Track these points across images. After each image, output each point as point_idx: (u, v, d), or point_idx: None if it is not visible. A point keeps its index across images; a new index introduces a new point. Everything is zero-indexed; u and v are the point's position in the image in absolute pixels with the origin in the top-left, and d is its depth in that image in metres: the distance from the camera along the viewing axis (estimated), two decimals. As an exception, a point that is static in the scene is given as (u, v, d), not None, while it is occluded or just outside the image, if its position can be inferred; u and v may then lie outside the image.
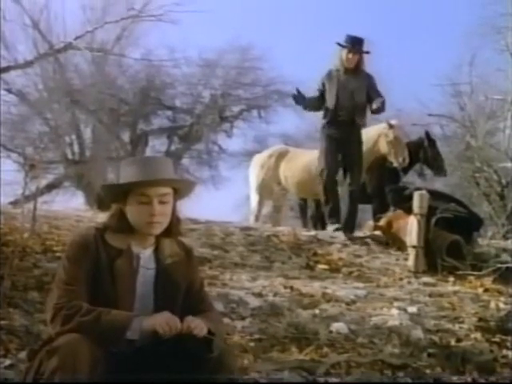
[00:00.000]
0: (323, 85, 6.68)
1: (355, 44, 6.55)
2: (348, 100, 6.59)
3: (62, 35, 14.48)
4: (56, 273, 2.29)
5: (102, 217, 6.27)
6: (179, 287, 2.33)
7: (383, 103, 6.53)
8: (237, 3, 19.52)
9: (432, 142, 7.94)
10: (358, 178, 6.81)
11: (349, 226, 6.64)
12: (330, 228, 6.61)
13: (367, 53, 6.65)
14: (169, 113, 16.80)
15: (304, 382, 3.19)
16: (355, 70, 6.59)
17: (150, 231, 2.29)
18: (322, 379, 3.21)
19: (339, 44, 6.59)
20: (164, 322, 2.12)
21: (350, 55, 6.53)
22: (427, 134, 8.02)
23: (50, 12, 14.34)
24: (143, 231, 2.29)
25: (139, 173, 2.26)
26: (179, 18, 14.36)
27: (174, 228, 2.34)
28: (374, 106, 6.51)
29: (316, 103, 6.77)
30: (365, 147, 7.46)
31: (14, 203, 8.43)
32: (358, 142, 6.79)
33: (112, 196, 2.32)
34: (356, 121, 6.68)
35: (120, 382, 2.13)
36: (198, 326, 2.15)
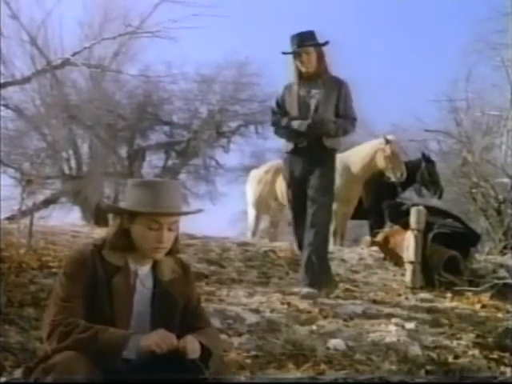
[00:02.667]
0: (281, 102, 5.05)
1: (303, 40, 4.83)
2: (312, 117, 4.87)
3: (59, 51, 14.54)
4: (52, 289, 2.29)
5: (98, 232, 6.28)
6: (177, 304, 2.32)
7: (344, 128, 4.94)
8: (233, 19, 19.61)
9: (430, 163, 7.98)
10: (326, 220, 4.92)
11: (316, 280, 4.77)
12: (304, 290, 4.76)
13: (323, 45, 4.89)
14: (166, 128, 16.83)
15: (302, 382, 3.17)
16: (318, 75, 4.88)
17: (155, 256, 2.30)
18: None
19: (284, 52, 4.92)
20: (160, 340, 2.11)
21: (304, 57, 4.83)
22: (424, 156, 8.06)
23: (48, 28, 14.43)
24: (147, 255, 2.30)
25: (154, 201, 2.24)
26: (176, 34, 14.43)
27: (173, 247, 2.35)
28: (332, 132, 4.87)
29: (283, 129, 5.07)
30: (362, 163, 7.48)
31: (11, 218, 8.41)
32: (329, 171, 4.95)
33: (117, 214, 2.32)
34: (324, 144, 4.88)
35: (120, 382, 2.12)
36: (192, 348, 2.14)
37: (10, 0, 13.34)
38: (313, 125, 4.83)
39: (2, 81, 13.81)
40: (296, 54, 4.84)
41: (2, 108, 14.26)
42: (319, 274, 4.78)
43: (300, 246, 5.02)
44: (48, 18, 14.14)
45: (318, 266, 4.77)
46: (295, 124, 4.90)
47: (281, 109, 5.03)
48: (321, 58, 4.90)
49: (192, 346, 2.15)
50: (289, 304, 4.48)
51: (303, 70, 4.88)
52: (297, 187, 4.98)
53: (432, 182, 7.90)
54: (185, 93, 16.39)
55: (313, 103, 4.89)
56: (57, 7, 14.09)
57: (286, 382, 3.23)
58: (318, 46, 4.88)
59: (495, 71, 14.02)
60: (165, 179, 2.62)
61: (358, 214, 7.87)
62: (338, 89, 4.92)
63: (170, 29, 14.33)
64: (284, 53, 4.90)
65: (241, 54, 17.04)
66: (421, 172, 7.85)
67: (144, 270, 2.32)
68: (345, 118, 4.93)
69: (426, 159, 8.01)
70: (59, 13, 15.20)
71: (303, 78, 4.91)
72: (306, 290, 4.69)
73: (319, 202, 4.81)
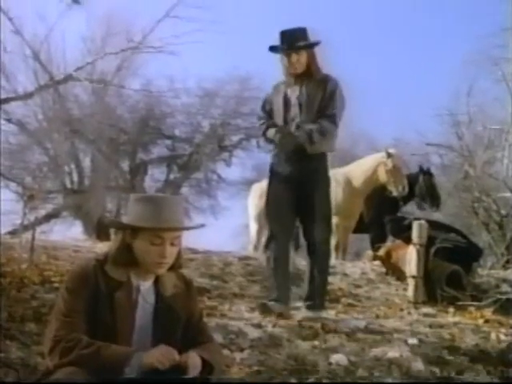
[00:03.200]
0: (268, 104, 4.72)
1: (294, 40, 4.43)
2: (306, 120, 4.49)
3: (62, 66, 14.61)
4: (54, 304, 2.28)
5: (100, 247, 6.28)
6: (179, 320, 2.32)
7: (320, 130, 4.45)
8: (235, 34, 19.74)
9: (428, 176, 7.98)
10: (325, 233, 4.59)
11: (316, 302, 4.57)
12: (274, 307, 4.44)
13: (315, 45, 4.52)
14: (168, 142, 16.87)
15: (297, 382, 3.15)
16: (307, 75, 4.50)
17: (157, 271, 2.30)
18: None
19: (271, 49, 4.51)
20: (161, 356, 2.10)
21: (293, 58, 4.44)
22: (422, 169, 8.07)
23: (51, 43, 14.48)
24: (150, 270, 2.29)
25: (156, 216, 2.24)
26: (178, 49, 14.52)
27: (176, 262, 2.35)
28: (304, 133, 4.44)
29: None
30: (363, 177, 7.50)
31: (12, 233, 8.41)
32: (323, 178, 4.58)
33: (120, 230, 2.32)
34: (308, 151, 4.49)
35: (120, 382, 2.11)
36: (194, 364, 2.14)
37: (13, 15, 13.42)
38: (283, 137, 4.49)
39: (5, 96, 13.85)
40: (285, 54, 4.45)
41: (5, 122, 14.32)
42: (323, 295, 4.64)
43: (276, 263, 4.57)
44: (51, 33, 14.22)
45: (322, 286, 4.60)
46: (270, 133, 4.59)
47: (267, 112, 4.71)
48: (312, 59, 4.51)
49: (193, 361, 2.15)
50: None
51: (291, 71, 4.50)
52: (283, 198, 4.54)
53: (430, 195, 7.90)
54: (187, 107, 16.44)
55: (298, 104, 4.52)
56: (59, 22, 14.11)
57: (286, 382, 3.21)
58: (310, 47, 4.50)
59: (496, 85, 14.06)
60: (167, 194, 2.62)
61: (359, 228, 7.87)
62: (323, 85, 4.49)
63: (173, 44, 14.40)
64: (271, 49, 4.49)
65: (243, 68, 17.13)
66: (419, 185, 7.86)
67: (146, 284, 2.32)
68: (323, 117, 4.48)
69: (424, 172, 8.02)
70: (62, 28, 15.31)
71: (291, 77, 4.53)
72: (310, 313, 4.50)
73: (317, 216, 4.48)
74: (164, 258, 2.26)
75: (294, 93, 4.53)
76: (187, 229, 2.37)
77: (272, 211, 4.63)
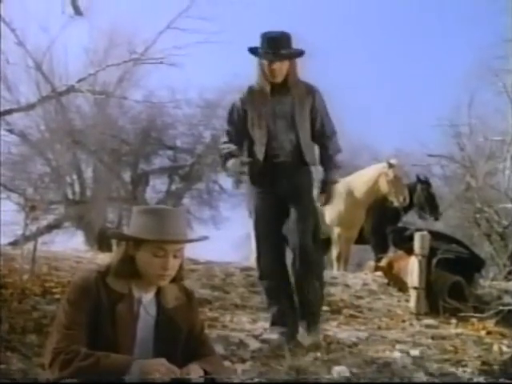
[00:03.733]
0: (235, 114, 4.26)
1: (277, 46, 4.02)
2: (285, 131, 4.14)
3: (64, 77, 14.64)
4: (55, 315, 2.28)
5: (101, 257, 6.27)
6: (180, 332, 2.32)
7: (335, 148, 4.27)
8: (236, 45, 19.79)
9: (425, 185, 7.98)
10: (314, 246, 4.18)
11: (310, 324, 4.20)
12: (271, 335, 4.14)
13: (299, 55, 4.15)
14: (170, 152, 16.88)
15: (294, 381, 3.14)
16: (287, 85, 4.12)
17: (159, 283, 2.29)
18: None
19: (251, 51, 4.11)
20: (161, 366, 2.09)
21: (274, 65, 4.04)
22: (419, 178, 8.08)
23: (53, 54, 14.53)
24: (152, 282, 2.29)
25: (160, 228, 2.24)
26: (180, 60, 14.53)
27: (178, 274, 2.34)
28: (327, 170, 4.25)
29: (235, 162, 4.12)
30: (365, 187, 7.50)
31: (14, 244, 8.41)
32: (309, 191, 4.24)
33: (123, 241, 2.32)
34: (305, 160, 4.18)
35: (120, 382, 2.10)
36: (195, 377, 2.13)
37: (15, 27, 13.48)
38: (291, 141, 4.12)
39: (8, 107, 13.90)
40: (267, 60, 4.05)
41: (7, 133, 14.34)
42: (317, 313, 4.25)
43: (262, 277, 4.30)
44: (53, 44, 14.27)
45: (315, 303, 4.20)
46: (234, 166, 4.09)
47: (235, 123, 4.24)
48: (293, 68, 4.12)
49: (195, 373, 2.14)
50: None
51: (270, 79, 4.09)
52: (272, 215, 4.18)
53: (429, 204, 7.90)
54: (188, 117, 16.47)
55: (285, 116, 4.13)
56: (62, 34, 14.16)
57: (285, 381, 3.19)
58: (296, 57, 4.13)
59: (497, 97, 14.12)
60: (170, 207, 2.61)
61: (361, 239, 7.87)
62: (310, 97, 4.16)
63: (174, 55, 14.45)
64: (251, 51, 4.09)
65: (243, 77, 17.16)
66: (417, 195, 7.86)
67: (148, 296, 2.32)
68: (326, 138, 4.23)
69: (421, 181, 8.03)
70: (64, 39, 15.34)
71: (267, 85, 4.12)
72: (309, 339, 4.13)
73: (304, 230, 4.08)
74: (166, 270, 2.26)
75: (279, 104, 4.13)
76: (191, 241, 2.37)
77: (260, 236, 4.22)
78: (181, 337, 2.31)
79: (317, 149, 4.31)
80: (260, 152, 4.14)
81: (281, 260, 4.23)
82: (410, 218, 8.67)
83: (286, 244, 4.20)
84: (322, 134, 4.23)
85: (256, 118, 4.16)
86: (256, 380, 2.86)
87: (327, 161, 4.26)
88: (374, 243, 7.86)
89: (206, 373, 2.19)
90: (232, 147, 4.17)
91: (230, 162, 4.13)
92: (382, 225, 7.48)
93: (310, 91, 4.18)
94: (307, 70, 4.41)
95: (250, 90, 4.21)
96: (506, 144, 12.74)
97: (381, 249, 7.36)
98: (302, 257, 4.08)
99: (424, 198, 7.85)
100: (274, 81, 4.10)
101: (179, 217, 2.33)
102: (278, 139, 4.14)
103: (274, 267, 4.20)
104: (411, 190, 7.83)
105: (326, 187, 4.29)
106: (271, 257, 4.20)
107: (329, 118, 4.26)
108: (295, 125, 4.13)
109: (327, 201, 4.35)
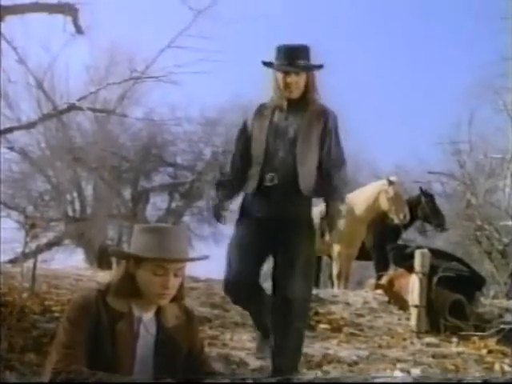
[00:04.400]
0: (242, 136, 3.86)
1: (294, 57, 3.64)
2: (285, 151, 3.65)
3: (65, 95, 14.70)
4: (55, 334, 2.27)
5: (101, 275, 6.25)
6: (180, 351, 2.31)
7: (341, 179, 3.76)
8: (237, 63, 19.90)
9: (429, 197, 7.99)
10: (307, 291, 3.63)
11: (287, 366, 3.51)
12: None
13: (318, 68, 3.72)
14: (170, 169, 16.89)
15: (296, 382, 3.10)
16: (301, 103, 3.69)
17: (159, 302, 2.29)
18: None
19: (265, 63, 3.73)
20: None
21: (291, 78, 3.62)
22: (422, 191, 8.09)
23: (54, 72, 14.61)
24: (152, 300, 2.29)
25: (161, 247, 2.24)
26: (181, 78, 14.60)
27: (178, 293, 2.34)
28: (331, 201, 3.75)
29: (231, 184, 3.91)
30: (365, 204, 7.50)
31: (13, 261, 8.40)
32: (306, 224, 3.68)
33: (123, 259, 2.32)
34: (300, 187, 3.63)
35: (120, 382, 2.09)
36: None
37: (17, 45, 13.56)
38: (289, 164, 3.63)
39: (8, 125, 13.94)
40: (282, 72, 3.65)
41: (7, 151, 14.37)
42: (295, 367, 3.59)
43: (237, 301, 3.86)
44: (54, 62, 14.35)
45: (295, 356, 3.61)
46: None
47: (240, 149, 3.87)
48: (311, 83, 3.70)
49: None
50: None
51: (286, 94, 3.66)
52: (257, 238, 3.71)
53: (434, 216, 7.90)
54: (189, 135, 16.50)
55: (289, 136, 3.67)
56: (63, 52, 14.26)
57: (286, 381, 3.16)
58: (314, 69, 3.72)
59: (497, 115, 14.16)
60: (171, 225, 2.61)
61: (361, 255, 7.85)
62: (322, 119, 3.69)
63: (175, 73, 14.51)
64: (265, 64, 3.72)
65: (245, 96, 17.22)
66: (422, 207, 7.86)
67: (148, 315, 2.31)
68: (334, 167, 3.74)
69: (425, 194, 8.03)
70: (65, 57, 15.44)
71: (284, 101, 3.70)
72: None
73: (297, 271, 3.55)
74: (167, 289, 2.25)
75: (286, 121, 3.70)
76: (191, 260, 2.37)
77: (235, 256, 3.81)
78: (180, 356, 2.31)
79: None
80: (255, 175, 3.71)
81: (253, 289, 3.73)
82: (410, 235, 8.66)
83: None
84: (328, 162, 3.72)
85: (258, 133, 3.75)
86: (250, 380, 2.82)
87: (331, 192, 3.75)
88: (376, 261, 7.85)
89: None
90: (224, 178, 3.98)
91: (213, 203, 4.04)
92: (382, 242, 7.48)
93: (323, 114, 3.71)
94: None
95: (259, 108, 3.82)
96: (506, 162, 12.76)
97: (382, 266, 7.35)
98: (285, 309, 3.53)
99: (429, 209, 7.85)
100: (290, 96, 3.67)
101: (180, 235, 2.33)
102: (275, 159, 3.66)
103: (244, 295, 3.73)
104: (415, 203, 7.83)
105: (329, 220, 3.77)
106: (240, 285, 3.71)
107: (339, 146, 3.77)
108: (295, 146, 3.65)
109: (331, 235, 3.88)
